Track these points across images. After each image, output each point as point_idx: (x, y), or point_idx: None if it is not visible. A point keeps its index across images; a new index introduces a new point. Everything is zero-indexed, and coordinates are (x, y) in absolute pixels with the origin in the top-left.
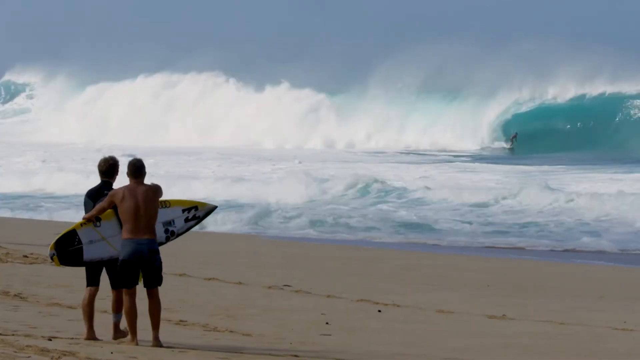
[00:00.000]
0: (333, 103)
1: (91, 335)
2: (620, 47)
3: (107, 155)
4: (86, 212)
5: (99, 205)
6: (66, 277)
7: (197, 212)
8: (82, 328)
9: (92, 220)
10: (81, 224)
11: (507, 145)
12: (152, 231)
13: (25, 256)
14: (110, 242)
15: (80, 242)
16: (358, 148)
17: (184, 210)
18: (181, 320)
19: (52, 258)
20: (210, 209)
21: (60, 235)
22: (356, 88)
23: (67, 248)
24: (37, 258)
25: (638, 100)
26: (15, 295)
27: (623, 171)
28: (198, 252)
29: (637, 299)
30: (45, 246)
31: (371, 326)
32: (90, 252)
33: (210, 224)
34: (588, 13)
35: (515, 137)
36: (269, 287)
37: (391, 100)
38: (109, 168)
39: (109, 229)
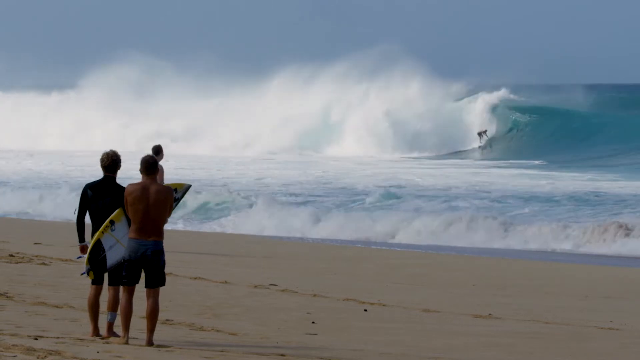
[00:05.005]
0: None
1: (96, 333)
2: None
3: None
4: (82, 204)
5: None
6: (52, 276)
7: (176, 194)
8: (68, 327)
9: (107, 225)
10: (102, 232)
11: (480, 143)
12: (159, 233)
13: (11, 255)
14: (123, 243)
15: (104, 250)
16: None
17: None
18: (167, 320)
19: (88, 273)
20: (186, 189)
21: (90, 249)
22: None
23: (97, 259)
24: (23, 257)
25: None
26: (0, 294)
27: None
28: (184, 251)
29: (623, 298)
30: (31, 245)
31: (357, 325)
32: (111, 258)
33: None
34: None
35: (484, 132)
36: (255, 286)
37: None
38: (111, 163)
39: (121, 230)
